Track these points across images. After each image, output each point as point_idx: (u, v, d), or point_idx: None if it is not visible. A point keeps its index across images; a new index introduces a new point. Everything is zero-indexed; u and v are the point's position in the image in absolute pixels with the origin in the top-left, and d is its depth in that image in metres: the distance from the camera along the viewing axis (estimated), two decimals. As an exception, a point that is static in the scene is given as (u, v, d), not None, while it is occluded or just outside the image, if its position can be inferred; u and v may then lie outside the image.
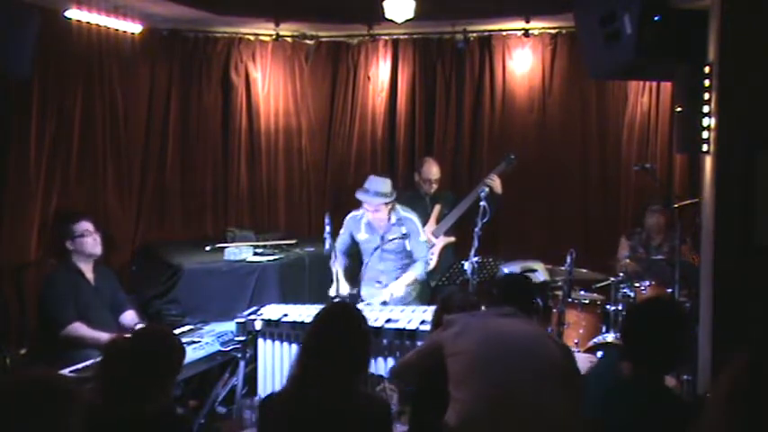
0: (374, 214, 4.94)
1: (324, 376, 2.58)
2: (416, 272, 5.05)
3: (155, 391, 2.71)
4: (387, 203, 4.94)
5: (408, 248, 4.96)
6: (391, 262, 5.09)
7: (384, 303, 4.85)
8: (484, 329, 2.86)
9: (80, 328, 4.52)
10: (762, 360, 1.81)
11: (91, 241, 4.73)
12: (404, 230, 4.98)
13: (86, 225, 4.76)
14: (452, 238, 5.78)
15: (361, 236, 5.05)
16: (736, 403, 1.78)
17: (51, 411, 2.02)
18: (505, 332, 2.85)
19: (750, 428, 1.75)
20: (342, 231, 5.14)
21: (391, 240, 4.90)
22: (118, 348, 2.83)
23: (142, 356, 2.73)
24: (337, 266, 4.93)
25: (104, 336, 4.41)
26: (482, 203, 5.09)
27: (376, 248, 4.80)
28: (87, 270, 4.77)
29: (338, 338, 2.65)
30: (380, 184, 4.95)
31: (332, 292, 4.87)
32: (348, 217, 5.14)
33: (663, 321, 2.69)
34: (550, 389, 2.70)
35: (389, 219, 4.99)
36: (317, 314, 2.82)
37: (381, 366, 4.23)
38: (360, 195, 4.96)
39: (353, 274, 5.08)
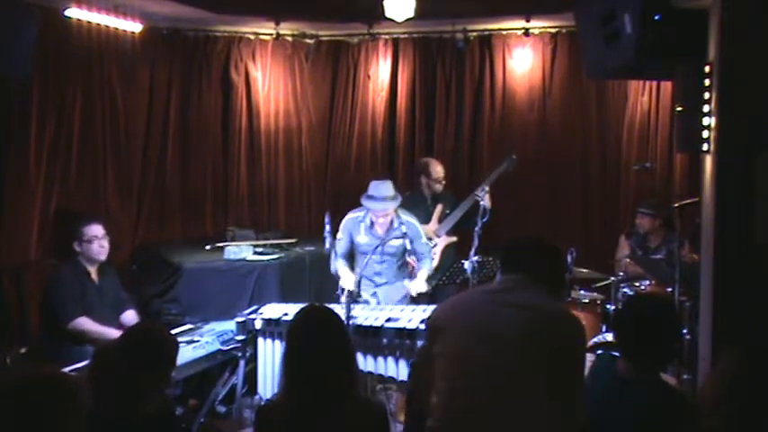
0: (384, 219, 4.91)
1: (314, 381, 2.56)
2: (427, 268, 5.04)
3: (149, 388, 2.71)
4: (394, 206, 4.91)
5: (409, 248, 4.94)
6: (389, 263, 5.07)
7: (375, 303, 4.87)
8: (464, 327, 2.60)
9: (86, 323, 4.54)
10: (757, 352, 1.83)
11: (96, 248, 4.72)
12: (404, 229, 4.95)
13: (96, 230, 4.74)
14: (454, 238, 5.78)
15: (361, 238, 5.02)
16: (734, 394, 1.80)
17: (53, 409, 2.02)
18: (486, 331, 2.56)
19: (746, 418, 1.76)
20: (340, 236, 5.01)
21: (392, 238, 4.88)
22: (108, 349, 2.83)
23: (133, 354, 2.74)
24: (338, 263, 4.93)
25: (111, 331, 4.42)
26: (482, 203, 5.09)
27: (376, 247, 4.78)
28: (92, 270, 4.78)
29: (319, 341, 2.63)
30: (385, 188, 4.88)
31: (342, 284, 4.85)
32: (347, 218, 5.05)
33: (653, 320, 2.69)
34: (523, 400, 2.48)
35: (392, 223, 4.96)
36: (292, 322, 2.78)
37: (381, 366, 4.23)
38: (367, 203, 4.87)
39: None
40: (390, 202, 4.86)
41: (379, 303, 4.94)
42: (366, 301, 4.94)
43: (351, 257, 5.10)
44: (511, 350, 2.52)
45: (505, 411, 2.49)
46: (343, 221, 5.05)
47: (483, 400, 2.51)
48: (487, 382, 2.51)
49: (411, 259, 5.12)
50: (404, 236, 4.84)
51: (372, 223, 4.95)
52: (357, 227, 5.02)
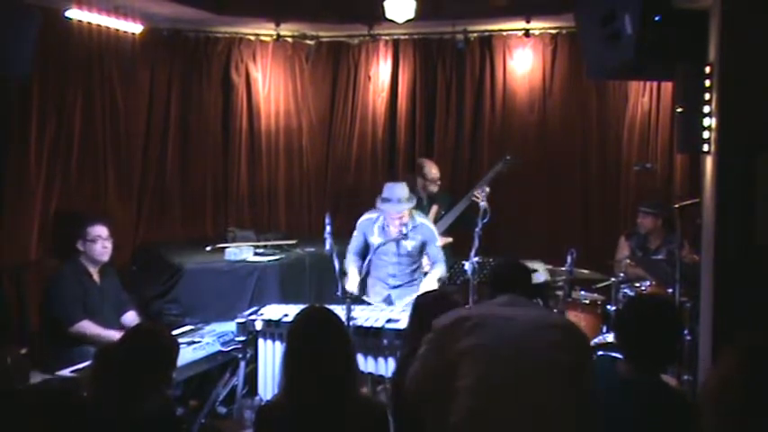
0: (399, 221, 4.89)
1: (314, 382, 2.57)
2: (440, 271, 5.01)
3: (150, 389, 2.72)
4: (408, 208, 4.91)
5: (422, 252, 4.96)
6: (405, 266, 5.06)
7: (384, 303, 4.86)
8: (483, 326, 2.70)
9: (89, 327, 4.53)
10: (757, 352, 1.84)
11: (99, 248, 4.71)
12: (415, 236, 4.95)
13: (100, 231, 4.73)
14: (450, 239, 5.78)
15: (375, 239, 5.02)
16: (729, 393, 1.81)
17: None
18: (505, 329, 2.71)
19: (744, 418, 1.77)
20: (355, 234, 5.09)
21: (404, 236, 4.84)
22: (109, 350, 2.83)
23: (134, 355, 2.74)
24: (349, 262, 4.97)
25: (113, 333, 4.41)
26: (482, 204, 5.09)
27: (377, 247, 4.78)
28: (94, 271, 4.77)
29: (320, 342, 2.63)
30: (400, 190, 4.88)
31: (347, 286, 4.84)
32: (362, 219, 5.09)
33: (654, 321, 2.68)
34: (546, 387, 2.60)
35: (407, 225, 4.95)
36: (294, 322, 2.78)
37: (382, 366, 4.23)
38: (383, 206, 4.87)
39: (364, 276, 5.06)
40: (404, 203, 4.87)
41: (392, 303, 4.95)
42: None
43: (363, 257, 5.11)
44: (528, 350, 2.64)
45: (526, 413, 2.56)
46: (359, 222, 5.10)
47: (506, 402, 2.57)
48: (509, 384, 2.60)
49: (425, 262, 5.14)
50: (404, 237, 4.84)
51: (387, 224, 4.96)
52: (371, 227, 5.04)
